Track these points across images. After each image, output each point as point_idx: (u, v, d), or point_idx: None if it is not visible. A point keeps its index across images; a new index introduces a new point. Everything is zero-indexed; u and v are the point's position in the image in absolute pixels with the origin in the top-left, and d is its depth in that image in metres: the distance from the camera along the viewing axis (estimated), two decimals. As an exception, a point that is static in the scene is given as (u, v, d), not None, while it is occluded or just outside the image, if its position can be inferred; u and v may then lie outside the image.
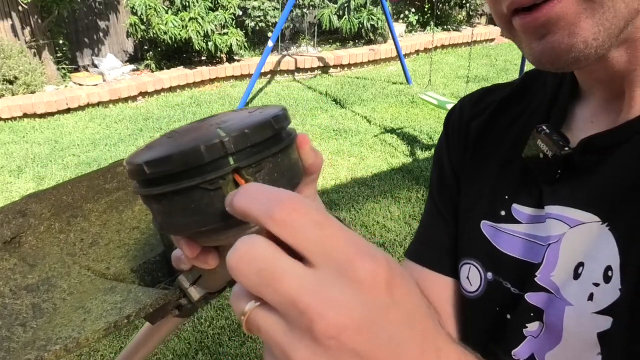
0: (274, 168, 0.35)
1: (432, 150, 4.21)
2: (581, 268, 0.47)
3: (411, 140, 4.40)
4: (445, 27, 7.49)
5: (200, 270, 0.44)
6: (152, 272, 0.56)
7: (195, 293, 0.45)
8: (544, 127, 0.51)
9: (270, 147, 0.34)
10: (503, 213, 0.55)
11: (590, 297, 0.46)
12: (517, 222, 0.54)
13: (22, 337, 0.43)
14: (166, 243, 0.58)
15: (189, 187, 0.32)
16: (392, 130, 4.61)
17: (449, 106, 4.11)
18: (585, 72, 0.50)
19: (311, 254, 0.26)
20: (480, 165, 0.60)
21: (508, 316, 0.54)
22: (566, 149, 0.49)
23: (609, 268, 0.44)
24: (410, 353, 0.26)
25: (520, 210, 0.54)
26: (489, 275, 0.56)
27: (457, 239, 0.62)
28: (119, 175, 0.62)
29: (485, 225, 0.57)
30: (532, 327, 0.51)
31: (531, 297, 0.51)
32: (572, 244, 0.48)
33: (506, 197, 0.55)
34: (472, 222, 0.58)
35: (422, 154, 4.15)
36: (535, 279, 0.51)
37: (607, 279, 0.44)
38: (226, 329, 2.43)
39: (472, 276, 0.57)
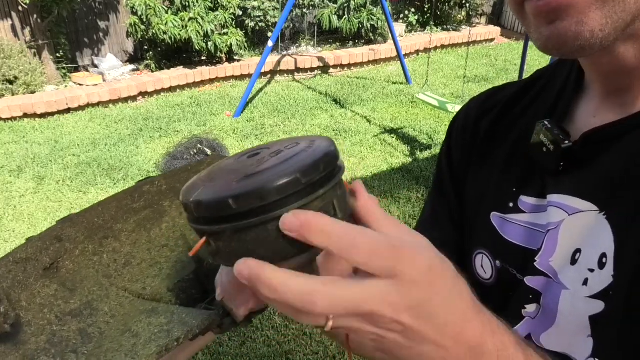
0: (329, 201, 0.37)
1: (432, 150, 4.21)
2: (578, 254, 0.50)
3: (411, 141, 4.40)
4: (445, 27, 7.49)
5: None
6: (186, 290, 0.56)
7: (240, 314, 0.46)
8: (546, 122, 0.54)
9: (325, 183, 0.36)
10: (511, 205, 0.58)
11: (585, 282, 0.48)
12: (522, 212, 0.57)
13: None
14: (196, 260, 0.59)
15: (250, 226, 0.35)
16: (392, 130, 4.61)
17: (449, 106, 4.11)
18: (593, 64, 0.51)
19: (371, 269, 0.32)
20: (488, 160, 0.63)
21: (511, 298, 0.57)
22: (566, 142, 0.51)
23: (604, 255, 0.47)
24: (451, 328, 0.33)
25: (525, 201, 0.57)
26: (497, 263, 0.59)
27: (469, 231, 0.65)
28: (145, 195, 0.63)
29: (495, 217, 0.60)
30: (530, 308, 0.54)
31: (530, 281, 0.54)
32: (570, 230, 0.51)
33: (514, 189, 0.58)
34: (482, 215, 0.62)
35: (422, 154, 4.15)
36: (535, 263, 0.54)
37: (601, 265, 0.47)
38: (226, 328, 2.43)
39: (485, 265, 0.61)
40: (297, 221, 0.32)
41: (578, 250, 0.50)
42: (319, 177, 0.36)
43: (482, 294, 0.61)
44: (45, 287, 0.52)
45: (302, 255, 0.36)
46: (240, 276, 0.32)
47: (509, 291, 0.57)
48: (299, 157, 0.37)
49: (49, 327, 0.49)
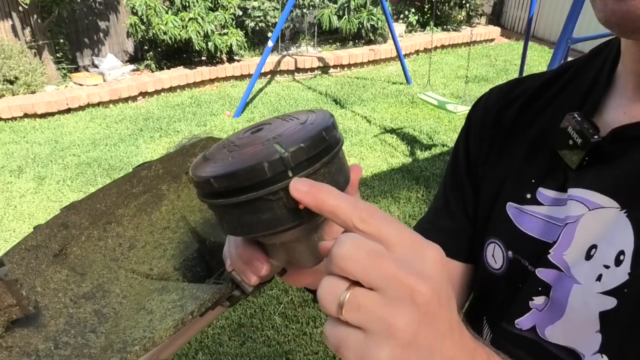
0: (327, 173, 0.39)
1: (432, 150, 4.21)
2: (594, 250, 0.50)
3: (411, 141, 4.40)
4: (445, 27, 7.49)
5: None
6: (192, 269, 0.59)
7: (249, 285, 0.48)
8: (576, 115, 0.53)
9: (323, 156, 0.38)
10: (529, 196, 0.58)
11: (599, 278, 0.48)
12: (540, 204, 0.56)
13: (97, 343, 0.46)
14: (199, 240, 0.62)
15: (253, 199, 0.37)
16: (392, 130, 4.62)
17: (449, 106, 4.11)
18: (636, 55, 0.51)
19: (388, 241, 0.32)
20: (509, 151, 0.63)
21: (520, 289, 0.57)
22: (595, 137, 0.50)
23: (621, 252, 0.47)
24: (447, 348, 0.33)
25: (544, 193, 0.56)
26: (510, 253, 0.59)
27: (483, 220, 0.65)
28: (143, 179, 0.65)
29: (511, 207, 0.60)
30: (538, 300, 0.54)
31: (541, 273, 0.54)
32: (588, 225, 0.51)
33: (533, 180, 0.58)
34: (498, 204, 0.61)
35: (422, 154, 4.15)
36: (549, 256, 0.54)
37: (618, 262, 0.47)
38: (226, 329, 2.43)
39: (497, 254, 0.61)
40: (304, 186, 0.34)
41: (594, 246, 0.50)
42: (321, 148, 0.38)
43: (491, 284, 0.62)
44: (56, 273, 0.54)
45: (305, 225, 0.39)
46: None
47: (519, 282, 0.57)
48: (302, 131, 0.38)
49: (66, 310, 0.50)
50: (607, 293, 0.48)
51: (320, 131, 0.38)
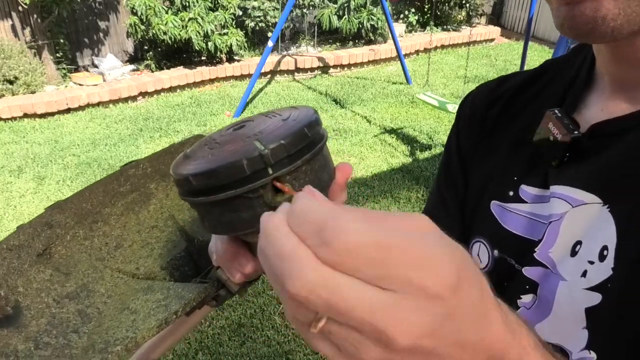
0: (309, 170, 0.38)
1: (432, 150, 4.21)
2: (579, 246, 0.50)
3: (411, 140, 4.40)
4: (445, 27, 7.49)
5: None
6: (179, 268, 0.58)
7: (234, 283, 0.47)
8: (556, 111, 0.54)
9: (305, 153, 0.37)
10: (511, 193, 0.58)
11: (584, 274, 0.49)
12: (523, 201, 0.57)
13: (79, 343, 0.45)
14: (187, 239, 0.61)
15: (233, 197, 0.36)
16: (392, 130, 4.61)
17: (449, 106, 4.11)
18: (610, 53, 0.51)
19: (377, 280, 0.25)
20: (493, 148, 0.63)
21: (507, 288, 0.57)
22: (575, 132, 0.51)
23: (605, 248, 0.47)
24: (472, 340, 0.28)
25: (527, 190, 0.57)
26: (495, 252, 0.59)
27: (468, 219, 0.65)
28: (131, 178, 0.64)
29: (495, 205, 0.60)
30: (526, 299, 0.54)
31: (528, 271, 0.54)
32: (572, 222, 0.51)
33: (515, 178, 0.58)
34: (483, 203, 0.61)
35: (422, 154, 4.15)
36: (534, 254, 0.54)
37: (602, 257, 0.47)
38: (226, 329, 2.43)
39: (482, 253, 0.61)
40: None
41: (579, 242, 0.50)
42: (303, 144, 0.37)
43: None
44: (40, 273, 0.53)
45: None
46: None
47: (505, 281, 0.57)
48: (283, 127, 0.38)
49: (48, 310, 0.50)
50: (592, 289, 0.48)
51: (302, 127, 0.37)
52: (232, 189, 0.35)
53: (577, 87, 0.56)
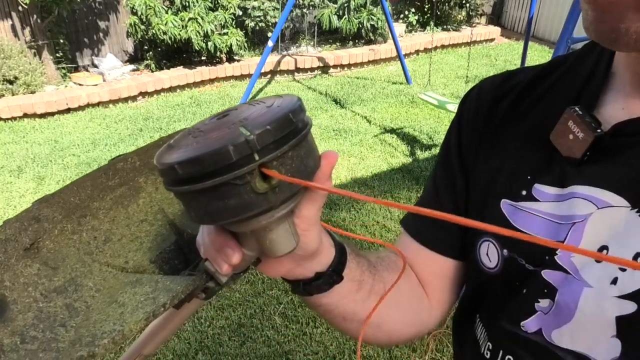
0: (295, 157, 0.38)
1: (432, 150, 4.21)
2: (605, 251, 0.48)
3: (411, 140, 4.40)
4: (445, 27, 7.49)
5: None
6: (169, 261, 0.58)
7: (222, 275, 0.47)
8: (577, 109, 0.52)
9: (290, 139, 0.37)
10: (524, 193, 0.56)
11: (614, 281, 0.47)
12: (537, 201, 0.55)
13: (67, 337, 0.45)
14: (176, 232, 0.61)
15: (219, 184, 0.35)
16: (392, 130, 4.61)
17: (449, 106, 4.11)
18: (636, 58, 0.50)
19: None
20: (499, 144, 0.61)
21: (524, 290, 0.55)
22: (599, 131, 0.49)
23: (638, 255, 0.45)
24: None
25: (541, 189, 0.55)
26: (505, 252, 0.57)
27: (474, 217, 0.63)
28: (120, 172, 0.64)
29: (505, 204, 0.58)
30: (544, 303, 0.53)
31: (548, 275, 0.52)
32: (598, 225, 0.49)
33: (528, 177, 0.56)
34: (492, 201, 0.60)
35: (422, 154, 4.15)
36: (556, 257, 0.52)
37: None
38: (226, 329, 2.43)
39: (491, 253, 0.59)
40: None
41: (604, 247, 0.48)
42: (288, 130, 0.37)
43: (484, 282, 0.60)
44: (27, 267, 0.53)
45: (273, 211, 0.39)
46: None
47: (515, 282, 0.56)
48: (268, 114, 0.38)
49: (35, 304, 0.49)
50: (625, 297, 0.46)
51: (287, 113, 0.37)
52: (219, 175, 0.35)
53: (594, 85, 0.55)
